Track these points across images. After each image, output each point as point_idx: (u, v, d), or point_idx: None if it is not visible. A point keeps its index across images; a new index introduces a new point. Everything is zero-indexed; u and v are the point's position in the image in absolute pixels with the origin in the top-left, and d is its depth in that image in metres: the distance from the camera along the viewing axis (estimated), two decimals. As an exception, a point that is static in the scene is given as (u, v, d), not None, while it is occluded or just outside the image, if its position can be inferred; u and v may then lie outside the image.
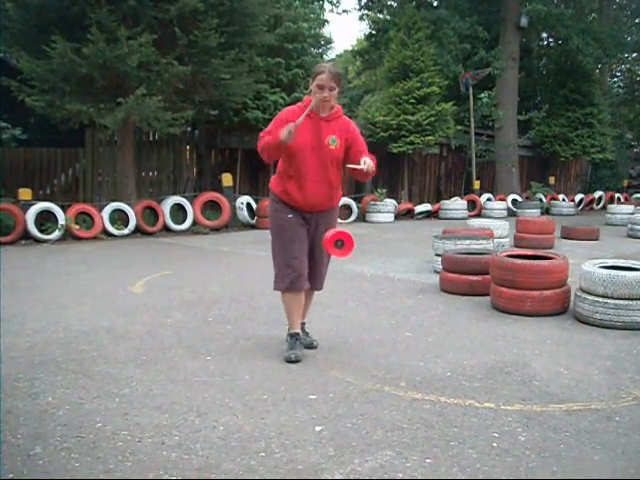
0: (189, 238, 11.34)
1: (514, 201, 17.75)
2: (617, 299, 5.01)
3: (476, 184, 18.01)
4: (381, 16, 21.15)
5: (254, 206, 13.30)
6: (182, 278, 7.20)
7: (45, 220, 10.63)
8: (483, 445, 2.94)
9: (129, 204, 11.53)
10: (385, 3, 21.08)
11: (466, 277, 6.36)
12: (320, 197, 4.10)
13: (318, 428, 3.10)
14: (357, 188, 15.65)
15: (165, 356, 4.24)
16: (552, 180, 20.83)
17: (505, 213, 16.46)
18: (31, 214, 10.33)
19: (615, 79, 29.68)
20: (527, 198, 18.77)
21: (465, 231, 8.62)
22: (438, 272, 7.01)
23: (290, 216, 4.12)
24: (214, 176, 14.30)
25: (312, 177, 4.04)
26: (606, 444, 2.97)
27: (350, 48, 27.59)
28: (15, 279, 6.87)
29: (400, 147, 16.03)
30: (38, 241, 10.26)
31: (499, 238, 8.98)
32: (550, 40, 24.47)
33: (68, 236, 10.66)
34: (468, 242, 7.43)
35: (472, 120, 17.78)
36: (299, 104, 4.13)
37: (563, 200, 19.16)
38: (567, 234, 11.66)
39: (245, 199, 13.25)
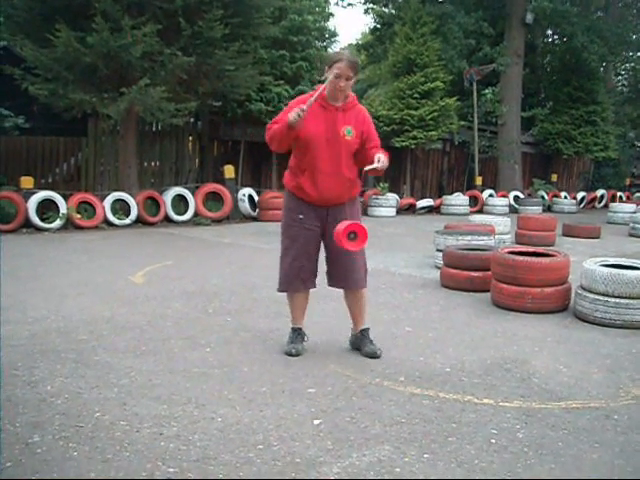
0: (190, 229, 11.34)
1: (516, 198, 17.71)
2: (618, 297, 5.00)
3: (478, 180, 17.99)
4: (386, 10, 21.07)
5: (256, 198, 13.29)
6: (183, 269, 7.20)
7: (46, 209, 10.63)
8: (481, 441, 2.94)
9: (131, 194, 11.52)
10: (390, -3, 21.00)
11: (467, 273, 6.35)
12: (335, 190, 3.92)
13: (317, 421, 3.10)
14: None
15: (165, 347, 4.24)
16: (554, 177, 20.81)
17: (507, 209, 16.45)
18: (33, 203, 10.33)
19: (619, 77, 29.60)
20: (529, 195, 18.73)
21: (467, 227, 8.60)
22: (439, 267, 7.01)
23: (301, 216, 3.99)
24: (216, 168, 14.29)
25: (326, 169, 3.87)
26: (604, 442, 2.97)
27: (355, 42, 27.50)
28: (16, 268, 6.87)
29: (403, 142, 16.02)
30: (39, 230, 10.27)
31: (500, 234, 8.98)
32: (555, 37, 24.38)
33: (69, 225, 10.66)
34: (469, 238, 7.42)
35: (475, 116, 17.75)
36: (311, 93, 3.94)
37: (565, 198, 19.13)
38: (568, 232, 11.65)
39: (247, 191, 13.24)
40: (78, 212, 10.78)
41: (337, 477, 2.58)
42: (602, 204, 20.06)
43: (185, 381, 3.60)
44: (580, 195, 19.85)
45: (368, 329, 4.24)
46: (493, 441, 2.94)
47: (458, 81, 17.95)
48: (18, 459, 2.65)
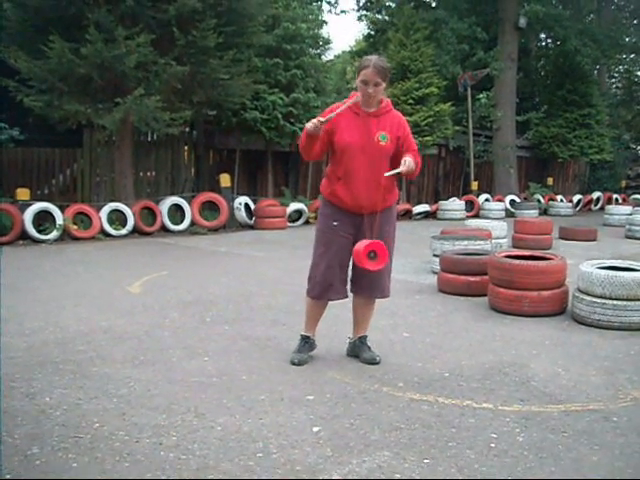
0: (187, 238, 11.33)
1: (512, 202, 17.75)
2: (615, 300, 5.01)
3: (474, 185, 18.02)
4: (379, 17, 21.18)
5: (252, 206, 13.28)
6: (180, 278, 7.19)
7: (43, 220, 10.62)
8: (481, 446, 2.93)
9: (127, 204, 11.51)
10: (383, 4, 21.09)
11: (464, 277, 6.36)
12: (370, 197, 3.84)
13: (316, 429, 3.10)
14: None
15: (163, 356, 4.23)
16: (550, 181, 20.87)
17: (503, 214, 16.47)
18: (29, 214, 10.31)
19: (613, 80, 29.73)
20: (525, 199, 18.77)
21: (463, 232, 8.61)
22: (436, 272, 7.01)
23: (335, 223, 3.95)
24: (212, 176, 14.28)
25: (361, 176, 3.83)
26: (604, 445, 2.97)
27: (349, 49, 27.60)
28: (13, 279, 6.85)
29: (398, 148, 16.01)
30: (36, 241, 10.25)
31: (497, 239, 8.99)
32: (548, 41, 24.52)
33: (66, 236, 10.64)
34: (466, 243, 7.42)
35: (470, 121, 17.80)
36: (345, 100, 3.93)
37: (561, 201, 19.16)
38: (565, 235, 11.66)
39: (243, 199, 13.23)
40: (74, 223, 10.76)
41: (337, 484, 2.58)
42: (598, 206, 20.10)
43: (184, 390, 3.59)
44: (576, 198, 19.89)
45: (366, 336, 4.24)
46: (493, 445, 2.94)
47: (452, 86, 18.02)
48: (17, 471, 2.64)
